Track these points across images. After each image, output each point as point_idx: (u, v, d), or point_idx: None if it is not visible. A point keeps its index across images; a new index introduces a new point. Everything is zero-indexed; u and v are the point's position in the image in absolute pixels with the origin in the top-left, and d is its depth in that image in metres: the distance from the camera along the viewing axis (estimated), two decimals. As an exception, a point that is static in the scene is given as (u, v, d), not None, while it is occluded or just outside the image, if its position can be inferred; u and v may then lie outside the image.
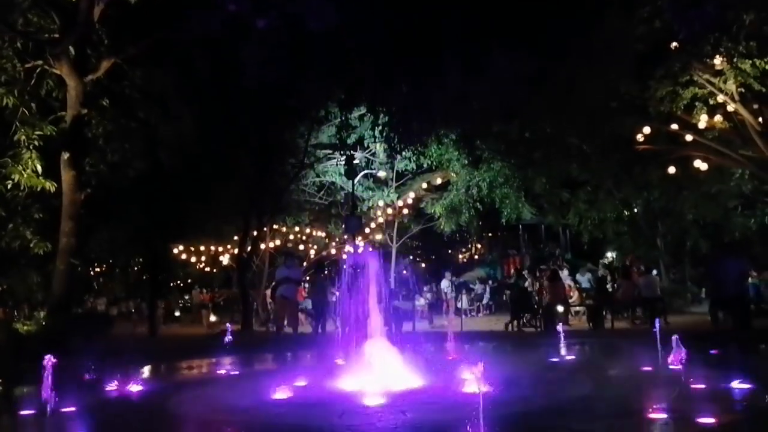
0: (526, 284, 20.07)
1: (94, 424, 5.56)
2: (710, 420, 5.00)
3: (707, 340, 11.81)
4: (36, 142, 12.77)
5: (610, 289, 18.85)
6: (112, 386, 8.21)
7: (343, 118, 21.78)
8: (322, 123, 22.89)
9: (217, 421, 6.18)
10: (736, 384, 6.58)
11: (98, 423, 5.81)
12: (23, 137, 12.65)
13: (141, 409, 7.16)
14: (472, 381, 7.38)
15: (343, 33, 15.10)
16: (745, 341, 10.74)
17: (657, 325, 10.85)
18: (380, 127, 19.54)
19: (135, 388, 8.29)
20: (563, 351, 11.35)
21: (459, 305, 23.74)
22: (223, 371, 10.05)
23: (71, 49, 12.83)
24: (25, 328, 13.21)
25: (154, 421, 6.35)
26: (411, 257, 41.02)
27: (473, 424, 5.16)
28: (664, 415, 5.40)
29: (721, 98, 15.02)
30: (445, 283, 24.60)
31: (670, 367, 8.23)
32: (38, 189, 12.99)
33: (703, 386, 6.72)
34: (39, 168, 12.74)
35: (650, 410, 5.69)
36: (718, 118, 15.59)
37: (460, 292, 25.00)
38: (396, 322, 15.42)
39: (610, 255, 32.83)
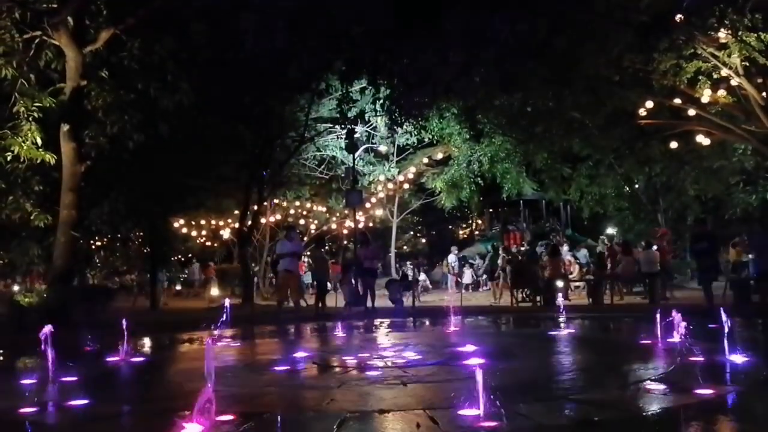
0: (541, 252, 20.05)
1: (93, 392, 5.57)
2: (708, 391, 5.02)
3: (707, 315, 11.89)
4: (35, 114, 12.72)
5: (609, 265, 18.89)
6: (113, 357, 8.24)
7: (344, 90, 21.63)
8: (322, 96, 22.77)
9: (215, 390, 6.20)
10: (734, 357, 6.60)
11: (97, 390, 5.83)
12: (22, 109, 12.60)
13: (141, 378, 7.20)
14: (473, 352, 7.44)
15: (344, 2, 14.94)
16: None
17: (656, 299, 10.95)
18: (381, 101, 19.42)
19: (136, 358, 8.32)
20: (562, 325, 11.41)
21: (461, 280, 23.84)
22: (223, 343, 10.07)
23: (70, 19, 12.72)
24: (27, 300, 13.28)
25: (153, 389, 6.37)
26: (411, 233, 41.13)
27: (473, 394, 5.18)
28: (662, 386, 5.42)
29: (725, 72, 14.86)
30: (451, 258, 24.66)
31: (669, 340, 8.27)
32: (38, 161, 12.97)
33: (701, 359, 6.74)
34: (38, 140, 12.71)
35: (648, 381, 5.72)
36: (721, 92, 15.43)
37: (462, 267, 25.08)
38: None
39: (610, 231, 32.89)
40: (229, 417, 4.60)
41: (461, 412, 4.49)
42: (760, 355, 6.93)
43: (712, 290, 12.86)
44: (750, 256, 17.23)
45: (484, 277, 26.39)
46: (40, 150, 12.80)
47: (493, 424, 4.15)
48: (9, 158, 12.69)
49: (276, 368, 7.24)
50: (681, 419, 4.44)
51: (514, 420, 4.36)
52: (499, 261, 20.44)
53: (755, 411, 4.74)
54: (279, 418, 4.80)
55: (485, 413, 4.37)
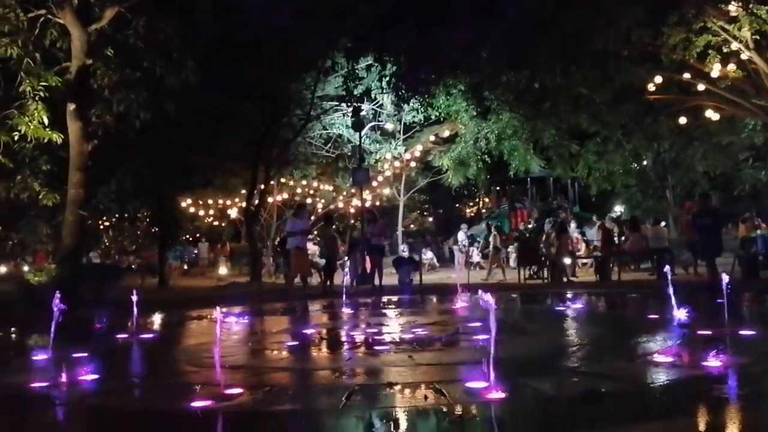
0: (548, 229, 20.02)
1: (103, 367, 5.64)
2: (715, 363, 5.03)
3: (714, 290, 11.88)
4: (41, 93, 12.69)
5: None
6: (122, 334, 8.32)
7: (350, 68, 21.49)
8: (328, 74, 22.64)
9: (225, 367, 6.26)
10: (741, 331, 6.61)
11: (107, 366, 5.89)
12: (29, 88, 12.57)
13: (150, 354, 7.26)
14: (480, 328, 7.46)
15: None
16: None
17: (664, 274, 10.91)
18: (387, 78, 19.30)
19: (145, 335, 8.40)
20: (570, 301, 11.43)
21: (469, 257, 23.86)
22: (232, 320, 10.13)
23: (74, -3, 12.66)
24: (37, 279, 13.38)
25: (162, 364, 6.43)
26: (418, 211, 41.12)
27: (480, 368, 5.21)
28: (669, 359, 5.43)
29: (735, 46, 14.68)
30: (461, 236, 24.66)
31: (677, 315, 8.27)
32: (45, 140, 12.98)
33: (709, 332, 6.75)
34: (45, 119, 12.70)
35: (656, 354, 5.74)
36: (731, 66, 15.25)
37: (471, 245, 25.08)
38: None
39: (618, 209, 32.78)
40: (237, 390, 4.64)
41: (469, 384, 4.52)
42: (766, 329, 6.92)
43: (716, 266, 12.81)
44: (758, 231, 17.18)
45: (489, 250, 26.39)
46: (47, 129, 12.80)
47: (500, 395, 4.18)
48: (16, 138, 12.69)
49: (285, 343, 7.31)
50: (688, 391, 4.46)
51: (521, 392, 4.39)
52: (491, 239, 20.40)
53: (761, 383, 4.75)
54: (287, 392, 4.85)
55: (492, 386, 4.40)
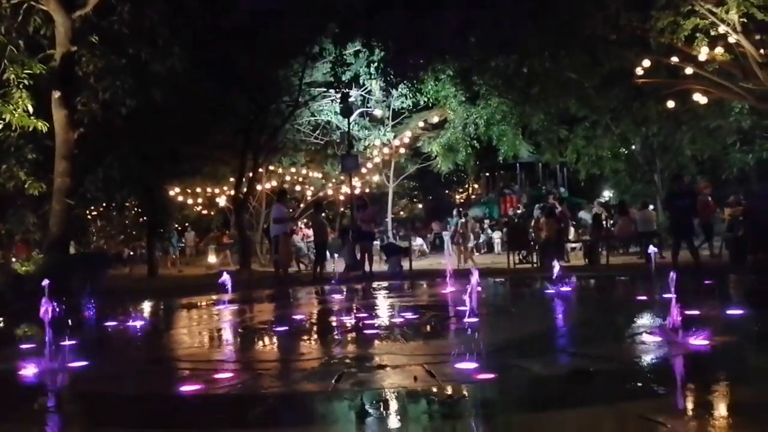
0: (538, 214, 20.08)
1: (91, 354, 5.62)
2: (704, 342, 5.07)
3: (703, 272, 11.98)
4: (26, 81, 12.55)
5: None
6: (111, 322, 8.29)
7: (338, 53, 21.38)
8: (316, 60, 22.52)
9: (215, 352, 6.26)
10: (728, 311, 6.67)
11: (96, 353, 5.87)
12: (12, 76, 12.42)
13: (139, 341, 7.24)
14: (469, 311, 7.48)
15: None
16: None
17: (652, 257, 11.00)
18: (375, 63, 19.21)
19: (134, 322, 8.37)
20: (559, 284, 11.47)
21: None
22: (222, 307, 10.11)
23: (57, -17, 12.49)
24: (24, 268, 13.30)
25: (152, 350, 6.41)
26: (408, 198, 41.11)
27: (469, 349, 5.22)
28: (657, 339, 5.47)
29: (722, 29, 14.68)
30: (454, 221, 24.69)
31: (665, 296, 8.31)
32: (30, 129, 12.85)
33: (696, 313, 6.80)
34: (30, 107, 12.57)
35: (644, 334, 5.78)
36: (719, 49, 15.27)
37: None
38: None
39: (606, 194, 32.91)
40: (228, 374, 4.63)
41: (458, 365, 4.54)
42: (752, 309, 6.99)
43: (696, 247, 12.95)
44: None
45: (482, 240, 26.49)
46: (32, 118, 12.67)
47: (489, 376, 4.20)
48: (1, 127, 12.57)
49: (274, 329, 7.30)
50: (675, 369, 4.50)
51: (509, 372, 4.42)
52: (459, 226, 20.46)
53: (747, 361, 4.80)
54: (277, 374, 4.85)
55: (481, 366, 4.42)
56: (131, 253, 27.82)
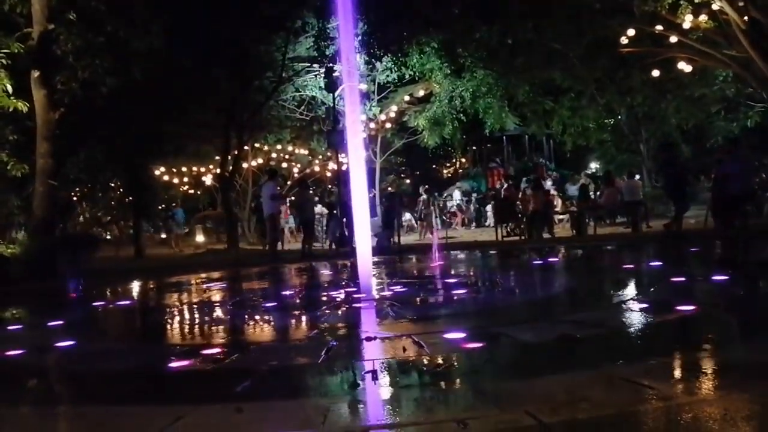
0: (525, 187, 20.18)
1: (78, 334, 5.59)
2: (689, 307, 5.11)
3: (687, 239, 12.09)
4: (3, 61, 12.34)
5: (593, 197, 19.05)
6: (98, 302, 8.25)
7: (321, 27, 21.12)
8: (299, 34, 22.24)
9: (204, 328, 6.24)
10: (714, 277, 6.73)
11: (82, 332, 5.84)
12: (-10, 56, 12.20)
13: (127, 320, 7.22)
14: (458, 283, 7.52)
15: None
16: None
17: (638, 227, 11.10)
18: (359, 36, 18.99)
19: (121, 302, 8.34)
20: (547, 255, 11.54)
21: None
22: (210, 285, 10.09)
23: (31, -41, 12.22)
24: (9, 250, 13.19)
25: (139, 329, 6.40)
26: (395, 173, 41.00)
27: (458, 319, 5.26)
28: (644, 305, 5.52)
29: (706, -5, 14.68)
30: (456, 194, 24.75)
31: (651, 264, 8.39)
32: (10, 110, 12.65)
33: (682, 280, 6.87)
34: (9, 88, 12.37)
35: (630, 301, 5.83)
36: (702, 17, 15.27)
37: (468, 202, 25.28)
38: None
39: (593, 165, 32.99)
40: (216, 350, 4.62)
41: (447, 335, 4.55)
42: (736, 276, 7.05)
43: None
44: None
45: (470, 214, 26.59)
46: (11, 98, 12.47)
47: (477, 344, 4.22)
48: (-20, 108, 12.38)
49: (263, 305, 7.30)
50: (661, 333, 4.54)
51: (497, 339, 4.44)
52: (422, 203, 20.58)
53: (732, 324, 4.85)
54: (266, 349, 4.85)
55: (469, 335, 4.44)
56: (118, 234, 27.67)
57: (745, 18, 14.78)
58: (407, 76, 24.24)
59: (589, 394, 2.90)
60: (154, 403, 3.44)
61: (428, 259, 12.00)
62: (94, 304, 8.16)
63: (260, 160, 27.00)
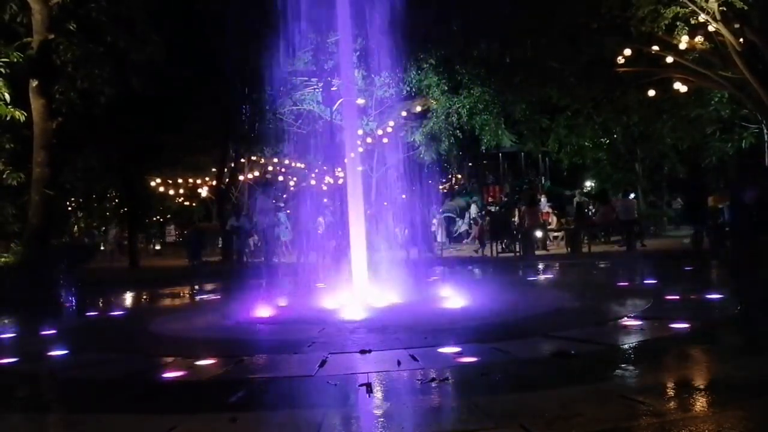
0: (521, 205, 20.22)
1: (71, 343, 5.56)
2: (684, 324, 5.12)
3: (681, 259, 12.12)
4: (2, 70, 12.33)
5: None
6: (92, 312, 8.21)
7: (319, 42, 21.23)
8: (297, 49, 22.34)
9: (197, 339, 6.21)
10: (708, 295, 6.76)
11: (76, 341, 5.82)
12: (-11, 65, 12.21)
13: (120, 331, 7.17)
14: (453, 297, 7.52)
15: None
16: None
17: (632, 245, 11.13)
18: (357, 52, 19.07)
19: (115, 312, 8.30)
20: (541, 272, 11.56)
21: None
22: (205, 296, 10.06)
23: (33, -30, 12.26)
24: (3, 260, 13.12)
25: (133, 339, 6.36)
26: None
27: (452, 334, 5.24)
28: (638, 322, 5.53)
29: (702, 17, 14.80)
30: (474, 210, 24.75)
31: (646, 282, 8.40)
32: (8, 118, 12.64)
33: (677, 297, 6.89)
34: (7, 96, 12.37)
35: (625, 318, 5.83)
36: (698, 38, 15.42)
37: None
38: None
39: (589, 183, 33.11)
40: (210, 361, 4.60)
41: (441, 350, 4.55)
42: (731, 294, 7.08)
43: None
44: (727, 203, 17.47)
45: (464, 229, 26.59)
46: (10, 107, 12.47)
47: (471, 359, 4.21)
48: (-23, 116, 12.37)
49: (258, 317, 7.26)
50: (655, 350, 4.54)
51: (491, 355, 4.43)
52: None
53: (725, 342, 4.86)
54: (261, 361, 4.83)
55: (464, 350, 4.44)
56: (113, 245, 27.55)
57: (741, 40, 14.93)
58: (405, 92, 24.34)
59: (584, 409, 2.90)
60: (147, 412, 3.42)
61: (422, 273, 11.97)
62: (87, 314, 8.13)
63: (257, 173, 27.03)
